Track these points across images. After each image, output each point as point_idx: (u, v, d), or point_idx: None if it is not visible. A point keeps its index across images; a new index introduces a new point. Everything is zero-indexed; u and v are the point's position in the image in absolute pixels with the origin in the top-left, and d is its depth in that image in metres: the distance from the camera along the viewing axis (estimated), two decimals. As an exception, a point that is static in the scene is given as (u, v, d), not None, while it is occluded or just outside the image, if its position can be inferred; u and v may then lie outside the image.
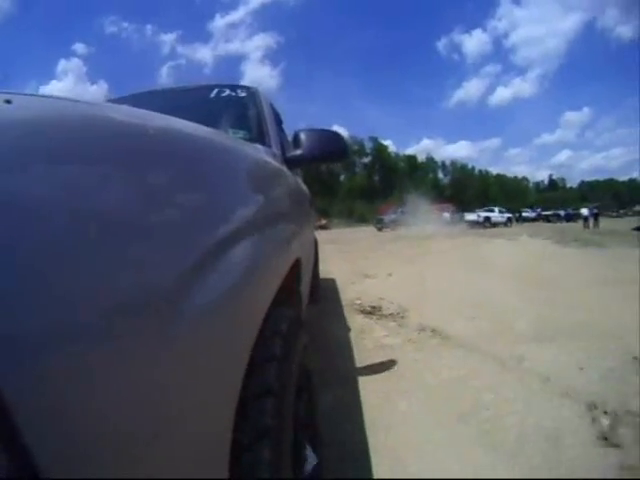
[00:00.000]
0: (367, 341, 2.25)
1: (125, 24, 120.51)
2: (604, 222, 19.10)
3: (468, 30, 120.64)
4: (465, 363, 1.86)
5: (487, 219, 21.28)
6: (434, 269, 4.67)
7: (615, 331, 2.15)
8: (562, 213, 25.41)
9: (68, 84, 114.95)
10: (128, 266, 0.30)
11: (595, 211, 17.57)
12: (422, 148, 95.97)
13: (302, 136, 1.17)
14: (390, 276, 4.32)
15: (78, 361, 0.24)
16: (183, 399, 0.34)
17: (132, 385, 0.28)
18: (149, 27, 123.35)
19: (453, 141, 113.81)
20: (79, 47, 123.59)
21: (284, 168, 1.13)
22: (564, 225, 21.37)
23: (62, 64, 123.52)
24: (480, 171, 67.84)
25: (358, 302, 3.12)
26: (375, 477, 1.13)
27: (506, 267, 4.53)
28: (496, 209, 23.54)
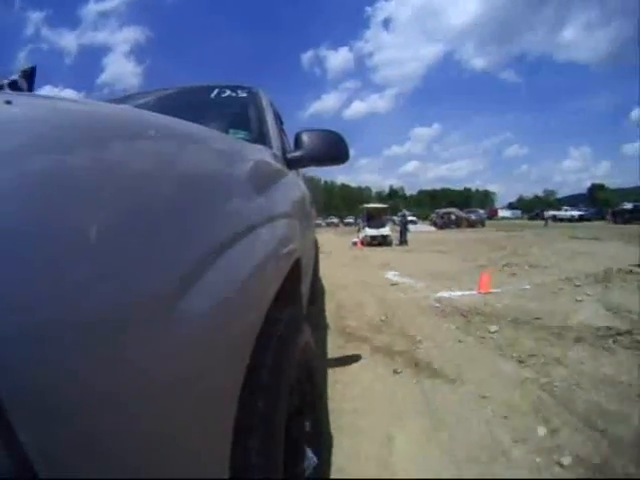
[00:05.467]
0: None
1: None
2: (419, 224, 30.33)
3: (335, 47, 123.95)
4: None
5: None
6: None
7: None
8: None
9: None
10: (129, 266, 0.30)
11: (400, 218, 27.99)
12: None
13: (304, 137, 1.17)
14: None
15: (77, 361, 0.24)
16: (183, 400, 0.34)
17: (132, 385, 0.28)
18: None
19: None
20: None
21: (285, 169, 1.13)
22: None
23: None
24: (326, 182, 71.60)
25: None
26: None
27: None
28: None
